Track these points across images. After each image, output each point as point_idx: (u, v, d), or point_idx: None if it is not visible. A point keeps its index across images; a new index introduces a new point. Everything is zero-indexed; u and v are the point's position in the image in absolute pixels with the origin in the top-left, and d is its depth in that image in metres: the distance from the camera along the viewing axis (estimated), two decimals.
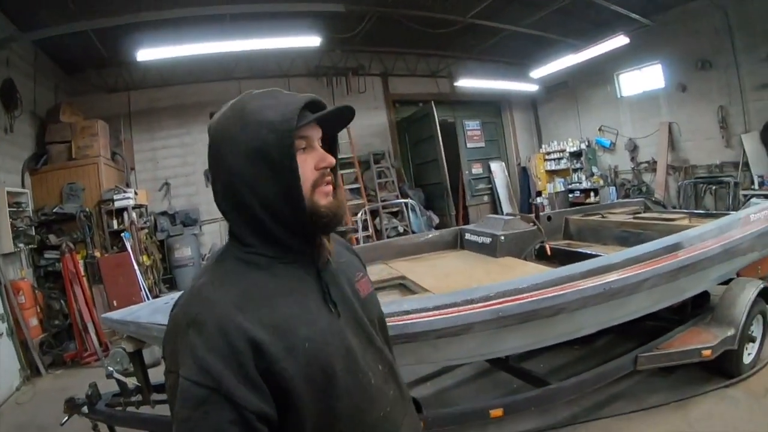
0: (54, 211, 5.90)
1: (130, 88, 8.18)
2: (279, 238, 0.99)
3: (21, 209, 5.45)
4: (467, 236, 4.63)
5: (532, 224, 4.29)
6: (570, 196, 10.34)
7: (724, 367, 3.37)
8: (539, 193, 10.87)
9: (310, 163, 1.00)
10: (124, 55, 6.79)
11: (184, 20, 6.01)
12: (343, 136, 8.91)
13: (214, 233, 8.81)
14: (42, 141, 6.36)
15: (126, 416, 2.92)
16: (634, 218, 4.77)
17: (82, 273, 5.71)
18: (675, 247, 3.05)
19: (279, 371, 0.86)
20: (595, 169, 10.07)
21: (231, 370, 0.82)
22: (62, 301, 5.62)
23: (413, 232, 9.04)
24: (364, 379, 1.02)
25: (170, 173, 8.51)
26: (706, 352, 3.15)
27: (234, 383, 0.81)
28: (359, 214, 8.50)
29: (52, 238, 5.80)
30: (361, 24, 7.67)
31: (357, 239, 8.29)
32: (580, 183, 10.22)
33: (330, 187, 1.03)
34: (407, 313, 2.41)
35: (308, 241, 1.03)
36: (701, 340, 3.24)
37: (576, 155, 10.44)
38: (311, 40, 7.05)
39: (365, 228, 8.66)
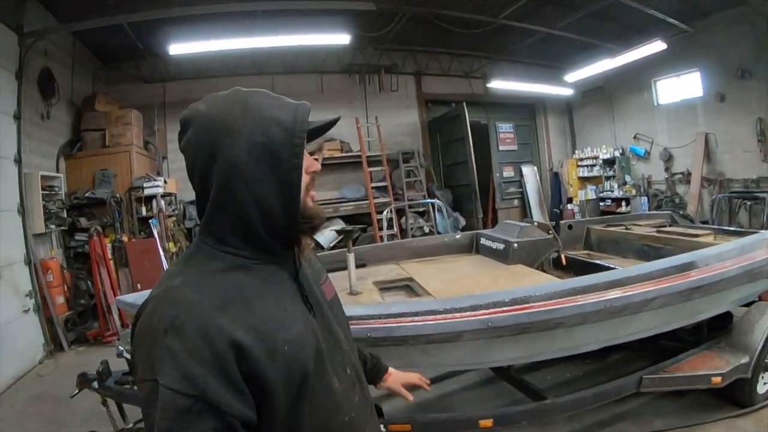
0: (86, 195, 6.15)
1: (166, 79, 8.43)
2: (263, 238, 0.97)
3: (54, 192, 5.70)
4: (482, 241, 4.57)
5: (549, 233, 4.19)
6: (601, 204, 10.04)
7: (736, 396, 3.18)
8: (570, 200, 10.60)
9: (303, 167, 1.01)
10: (159, 48, 6.98)
11: (216, 15, 6.13)
12: (372, 134, 8.98)
13: None
14: (78, 128, 6.63)
15: (132, 394, 2.97)
16: (657, 232, 4.57)
17: (110, 256, 5.94)
18: (688, 266, 2.87)
19: (260, 375, 0.85)
20: (628, 178, 9.74)
21: (215, 375, 0.80)
22: (89, 282, 5.85)
23: (439, 233, 8.95)
24: (331, 383, 1.02)
25: None
26: (716, 380, 2.96)
27: (219, 390, 0.79)
28: (385, 213, 8.46)
29: (83, 221, 6.06)
30: (392, 23, 7.65)
31: (381, 237, 8.31)
32: (612, 191, 9.91)
33: (315, 194, 1.06)
34: (396, 316, 2.38)
35: (290, 243, 1.03)
36: (712, 366, 3.05)
37: (609, 163, 10.12)
38: (341, 38, 7.08)
39: (390, 226, 8.60)
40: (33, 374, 4.78)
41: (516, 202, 10.72)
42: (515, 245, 3.98)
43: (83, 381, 3.03)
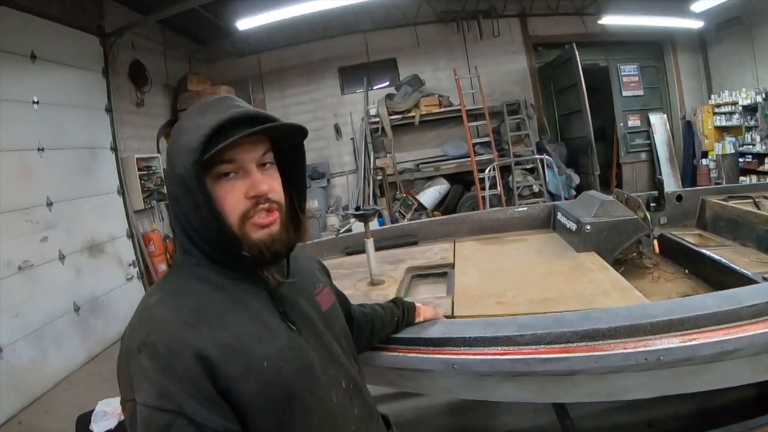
0: None
1: (259, 50, 8.67)
2: (222, 260, 0.95)
3: (151, 172, 6.28)
4: (559, 216, 3.82)
5: (638, 210, 3.36)
6: (740, 160, 8.10)
7: None
8: (705, 154, 8.76)
9: (238, 191, 0.92)
10: (234, 24, 7.07)
11: None
12: (475, 85, 8.36)
13: (343, 186, 9.16)
14: (176, 108, 7.18)
15: None
16: None
17: None
18: None
19: (236, 393, 0.83)
20: None
21: (188, 391, 0.79)
22: None
23: (549, 193, 8.32)
24: (325, 398, 0.98)
25: None
26: None
27: (194, 405, 0.78)
28: (487, 171, 7.96)
29: None
30: None
31: (484, 197, 7.90)
32: (754, 145, 7.79)
33: (268, 218, 0.94)
34: None
35: (253, 266, 0.98)
36: None
37: (750, 110, 7.91)
38: None
39: (493, 186, 8.08)
40: None
41: (643, 156, 9.21)
42: (587, 227, 3.15)
43: None
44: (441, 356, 1.77)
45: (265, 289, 0.99)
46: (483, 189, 7.96)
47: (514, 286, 2.65)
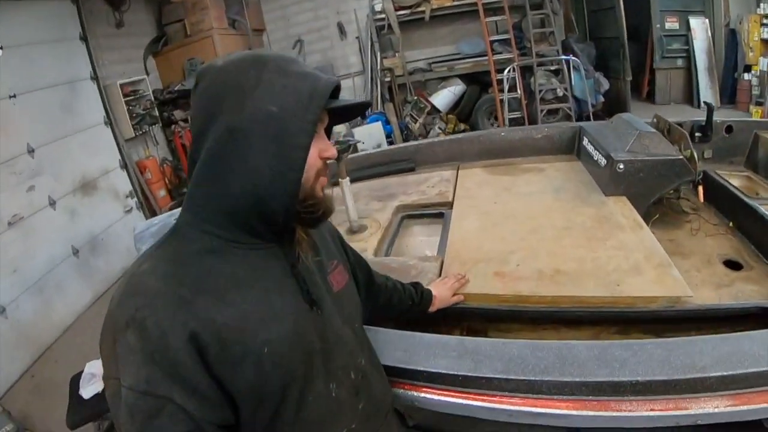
0: (176, 89, 6.33)
1: None
2: (248, 222, 0.85)
3: (139, 96, 5.86)
4: (585, 143, 3.08)
5: (682, 148, 2.77)
6: None
7: None
8: (748, 68, 7.78)
9: (315, 149, 0.88)
10: None
11: None
12: None
13: (349, 89, 8.58)
14: (161, 23, 6.68)
15: None
16: None
17: None
18: None
19: (231, 380, 0.77)
20: None
21: (179, 378, 0.72)
22: None
23: (574, 98, 7.60)
24: (325, 390, 0.92)
25: (303, 29, 8.30)
26: None
27: (184, 393, 0.72)
28: (506, 71, 7.32)
29: (178, 114, 6.33)
30: None
31: (502, 101, 7.42)
32: None
33: (326, 180, 0.94)
34: None
35: (282, 232, 0.91)
36: None
37: None
38: None
39: (512, 88, 7.48)
40: None
41: (680, 62, 8.28)
42: (620, 166, 2.61)
43: None
44: (401, 390, 1.41)
45: (284, 261, 0.92)
46: (501, 91, 7.41)
47: (521, 246, 2.17)
